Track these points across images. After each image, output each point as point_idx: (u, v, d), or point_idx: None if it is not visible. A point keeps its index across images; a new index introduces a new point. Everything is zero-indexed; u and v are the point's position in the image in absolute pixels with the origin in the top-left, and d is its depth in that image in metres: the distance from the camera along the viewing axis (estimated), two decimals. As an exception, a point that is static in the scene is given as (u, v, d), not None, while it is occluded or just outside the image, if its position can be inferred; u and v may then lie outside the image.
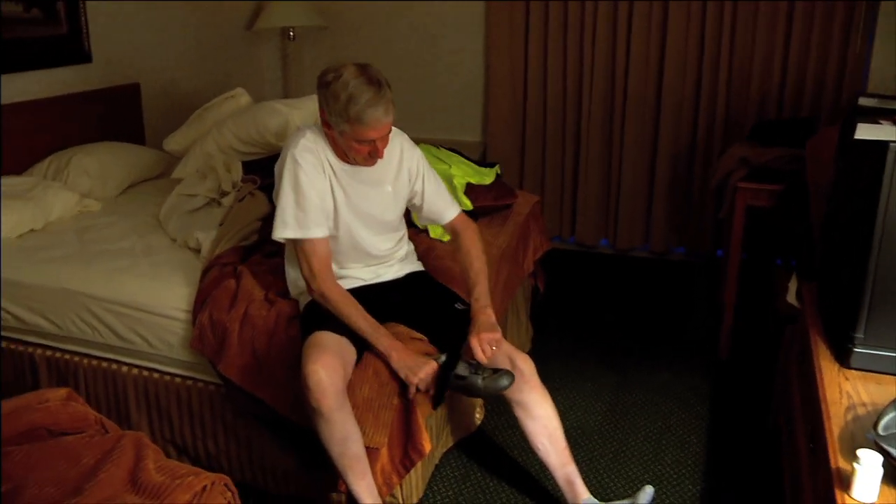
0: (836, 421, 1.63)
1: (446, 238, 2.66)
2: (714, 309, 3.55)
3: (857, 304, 1.81)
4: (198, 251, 2.59)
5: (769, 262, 3.90)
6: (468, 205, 2.83)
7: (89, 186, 3.19)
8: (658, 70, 4.05)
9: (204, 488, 1.47)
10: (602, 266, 4.35)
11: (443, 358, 2.06)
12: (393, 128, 2.11)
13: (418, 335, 2.16)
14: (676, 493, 2.38)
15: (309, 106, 3.13)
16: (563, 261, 4.18)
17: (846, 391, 1.76)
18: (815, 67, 3.75)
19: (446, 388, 2.06)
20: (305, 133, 2.12)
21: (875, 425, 1.50)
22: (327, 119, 2.03)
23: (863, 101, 2.81)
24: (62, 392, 1.71)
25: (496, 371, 2.04)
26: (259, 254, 2.53)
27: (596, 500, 2.16)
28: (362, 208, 2.16)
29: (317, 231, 2.07)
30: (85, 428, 1.65)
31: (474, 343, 2.04)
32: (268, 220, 2.46)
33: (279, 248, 2.32)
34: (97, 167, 3.24)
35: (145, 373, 2.45)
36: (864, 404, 1.70)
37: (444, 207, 2.32)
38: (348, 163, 2.12)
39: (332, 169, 2.11)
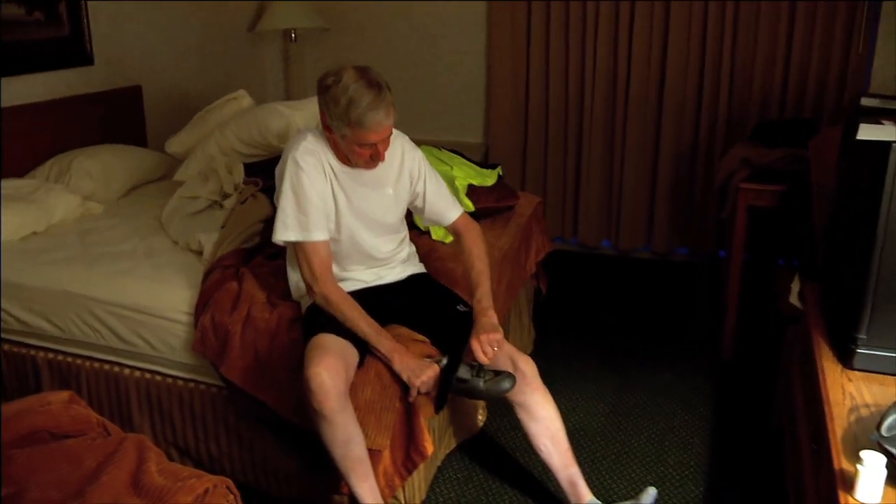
0: (839, 422, 1.63)
1: (449, 240, 2.66)
2: (716, 310, 3.54)
3: (859, 305, 1.81)
4: (200, 253, 2.59)
5: (771, 262, 3.89)
6: (470, 206, 2.82)
7: (91, 189, 3.19)
8: (660, 70, 4.04)
9: (206, 491, 1.47)
10: (604, 267, 4.34)
11: (444, 360, 2.05)
12: (394, 130, 2.11)
13: (420, 337, 2.16)
14: (679, 495, 2.37)
15: (311, 107, 3.12)
16: (565, 262, 4.18)
17: (849, 392, 1.75)
18: (817, 68, 3.75)
19: (448, 390, 2.06)
20: (306, 136, 2.12)
21: (878, 426, 1.50)
22: (328, 123, 2.02)
23: (865, 101, 2.80)
24: (64, 395, 1.71)
25: (498, 373, 2.04)
26: (261, 256, 2.53)
27: (599, 502, 2.16)
28: (364, 211, 2.16)
29: (318, 234, 2.07)
30: (87, 431, 1.65)
31: (475, 344, 2.04)
32: (270, 222, 2.46)
33: (281, 250, 2.31)
34: (99, 169, 3.24)
35: (147, 375, 2.45)
36: (867, 405, 1.70)
37: (447, 208, 2.32)
38: (349, 165, 2.12)
39: (334, 171, 2.11)
